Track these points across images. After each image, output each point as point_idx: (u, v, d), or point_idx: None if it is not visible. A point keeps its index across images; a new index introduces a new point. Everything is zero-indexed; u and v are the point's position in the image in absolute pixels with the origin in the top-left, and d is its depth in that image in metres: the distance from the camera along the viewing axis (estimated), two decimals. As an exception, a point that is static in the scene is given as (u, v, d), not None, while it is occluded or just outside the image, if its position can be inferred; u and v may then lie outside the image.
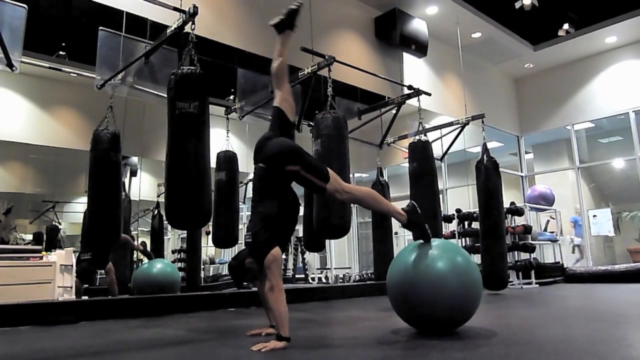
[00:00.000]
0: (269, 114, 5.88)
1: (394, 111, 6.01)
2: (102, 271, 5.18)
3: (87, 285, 5.09)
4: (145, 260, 5.80)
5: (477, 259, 5.69)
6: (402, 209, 2.58)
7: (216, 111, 5.24)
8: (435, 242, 2.54)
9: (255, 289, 3.12)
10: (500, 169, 5.63)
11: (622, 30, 8.14)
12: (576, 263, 8.72)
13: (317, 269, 9.32)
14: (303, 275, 8.21)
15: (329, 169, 2.54)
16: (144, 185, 6.62)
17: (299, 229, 5.89)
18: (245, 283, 2.89)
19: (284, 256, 8.27)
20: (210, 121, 3.18)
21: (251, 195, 2.60)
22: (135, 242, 5.74)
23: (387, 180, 6.75)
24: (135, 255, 6.12)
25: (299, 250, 8.24)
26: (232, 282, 6.48)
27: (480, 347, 2.09)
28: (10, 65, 3.76)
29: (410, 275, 2.44)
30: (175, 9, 3.63)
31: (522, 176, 9.75)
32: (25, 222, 6.04)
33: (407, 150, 5.49)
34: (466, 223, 7.24)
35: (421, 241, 2.56)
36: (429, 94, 5.88)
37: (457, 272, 2.40)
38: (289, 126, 2.73)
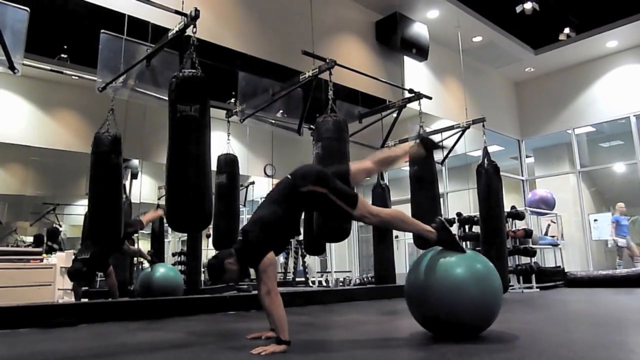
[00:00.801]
0: (270, 117, 5.91)
1: (394, 115, 6.02)
2: (102, 273, 5.18)
3: (86, 288, 5.09)
4: (146, 263, 5.79)
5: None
6: (431, 225, 2.56)
7: (217, 114, 5.25)
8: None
9: (256, 292, 3.11)
10: (501, 173, 5.63)
11: (623, 35, 8.14)
12: (620, 267, 8.08)
13: (318, 272, 9.31)
14: (303, 279, 8.20)
15: (357, 194, 2.57)
16: (144, 188, 6.62)
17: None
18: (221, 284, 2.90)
19: (282, 260, 8.29)
20: (211, 124, 3.19)
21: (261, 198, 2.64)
22: (136, 246, 5.72)
23: (387, 183, 6.75)
24: (136, 259, 6.11)
25: (300, 253, 8.23)
26: (232, 285, 6.48)
27: (480, 351, 2.08)
28: (12, 67, 3.77)
29: (428, 281, 2.40)
30: (176, 12, 3.64)
31: (522, 180, 9.74)
32: (26, 225, 6.04)
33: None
34: (467, 227, 7.23)
35: (439, 248, 2.53)
36: (430, 98, 5.89)
37: (477, 278, 2.36)
38: (345, 183, 2.67)
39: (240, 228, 3.02)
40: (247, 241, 2.41)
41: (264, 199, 2.61)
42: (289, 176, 2.59)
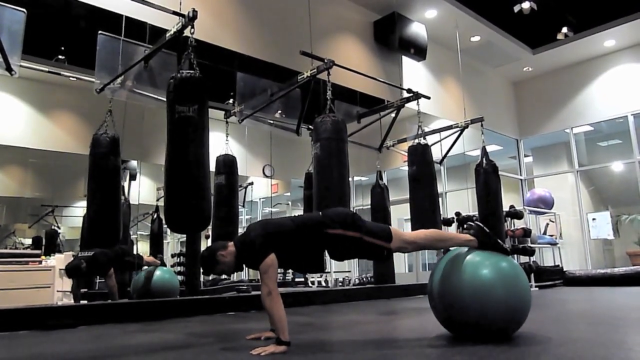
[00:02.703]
0: (268, 117, 5.91)
1: (393, 114, 6.02)
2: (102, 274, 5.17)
3: (86, 290, 5.08)
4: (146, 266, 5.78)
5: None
6: (469, 233, 2.48)
7: (215, 115, 5.24)
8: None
9: (255, 292, 3.11)
10: (500, 172, 5.64)
11: (621, 34, 8.16)
12: None
13: (317, 272, 9.30)
14: (302, 279, 8.19)
15: (388, 226, 2.54)
16: (143, 189, 6.60)
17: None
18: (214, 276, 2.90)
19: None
20: (209, 125, 3.18)
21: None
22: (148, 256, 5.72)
23: (386, 183, 6.75)
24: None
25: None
26: (232, 285, 6.48)
27: (480, 350, 2.08)
28: (9, 69, 3.76)
29: (456, 282, 2.34)
30: (174, 12, 3.64)
31: (521, 179, 9.75)
32: (25, 227, 6.03)
33: (406, 154, 5.50)
34: (465, 226, 7.23)
35: (465, 248, 2.47)
36: (428, 98, 5.89)
37: (504, 280, 2.29)
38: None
39: (239, 230, 3.02)
40: (249, 239, 2.41)
41: (286, 216, 2.61)
42: (320, 213, 2.58)
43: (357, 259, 10.10)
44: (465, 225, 2.54)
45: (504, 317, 2.27)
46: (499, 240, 2.47)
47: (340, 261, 3.71)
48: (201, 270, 5.61)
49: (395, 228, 2.56)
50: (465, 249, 2.45)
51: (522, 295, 2.31)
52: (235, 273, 5.32)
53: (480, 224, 2.51)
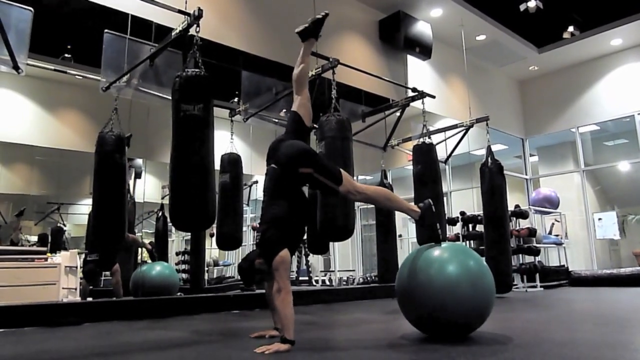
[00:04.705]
0: (273, 116, 5.91)
1: (398, 113, 6.01)
2: (108, 272, 5.20)
3: (91, 287, 5.11)
4: (149, 261, 5.80)
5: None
6: (417, 205, 2.57)
7: (220, 113, 5.24)
8: (445, 245, 2.48)
9: (259, 291, 3.11)
10: (505, 172, 5.61)
11: (628, 33, 8.10)
12: None
13: (321, 271, 9.31)
14: (307, 278, 8.20)
15: (342, 170, 2.54)
16: (148, 187, 6.62)
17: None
18: (254, 285, 2.89)
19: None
20: (214, 123, 3.18)
21: (262, 197, 2.62)
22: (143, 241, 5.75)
23: (391, 182, 6.74)
24: (140, 257, 6.13)
25: (303, 252, 8.23)
26: (236, 283, 6.50)
27: (484, 351, 2.08)
28: (16, 67, 3.78)
29: (420, 279, 2.38)
30: (180, 11, 3.64)
31: (526, 179, 9.71)
32: (31, 224, 6.06)
33: (411, 153, 5.49)
34: (470, 226, 7.21)
35: (431, 244, 2.50)
36: (433, 97, 5.87)
37: (469, 276, 2.33)
38: (305, 131, 2.73)
39: (243, 229, 3.02)
40: (266, 240, 2.41)
41: (265, 197, 2.59)
42: (274, 165, 2.57)
43: (360, 258, 10.10)
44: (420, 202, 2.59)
45: (467, 314, 2.31)
46: (438, 226, 2.53)
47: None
48: (207, 275, 5.63)
49: (349, 176, 2.55)
50: (430, 245, 2.50)
51: (485, 293, 2.36)
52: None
53: (432, 204, 2.56)
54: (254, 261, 2.44)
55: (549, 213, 8.62)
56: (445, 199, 7.32)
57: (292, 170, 2.50)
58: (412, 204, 2.65)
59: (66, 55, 5.61)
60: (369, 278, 8.45)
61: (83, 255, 5.00)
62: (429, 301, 2.32)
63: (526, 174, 9.72)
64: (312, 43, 2.87)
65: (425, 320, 2.46)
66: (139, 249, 5.93)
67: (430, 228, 2.51)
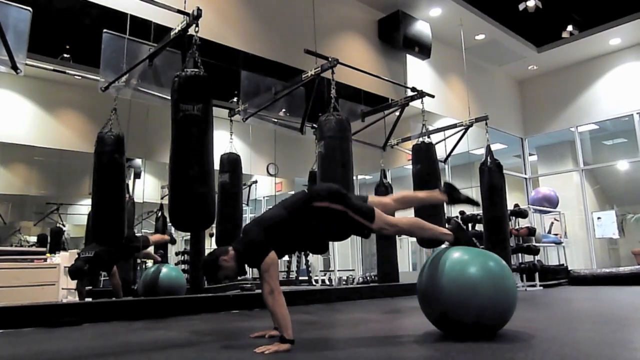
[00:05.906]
0: (272, 116, 5.91)
1: (397, 113, 6.01)
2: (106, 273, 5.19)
3: (90, 287, 5.10)
4: (150, 262, 5.79)
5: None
6: (447, 227, 2.61)
7: (220, 113, 5.24)
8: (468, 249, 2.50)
9: (259, 291, 3.12)
10: (504, 171, 5.62)
11: (626, 32, 8.11)
12: None
13: (321, 271, 9.31)
14: (306, 278, 8.20)
15: (373, 207, 2.56)
16: (147, 187, 6.62)
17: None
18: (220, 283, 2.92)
19: (286, 258, 8.29)
20: (213, 123, 3.18)
21: (264, 198, 2.66)
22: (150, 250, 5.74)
23: (390, 182, 6.74)
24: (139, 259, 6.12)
25: (303, 252, 8.23)
26: (236, 283, 6.49)
27: (484, 349, 2.08)
28: (15, 67, 3.78)
29: (443, 280, 2.37)
30: (179, 11, 3.64)
31: (526, 178, 9.72)
32: (30, 224, 6.06)
33: (410, 152, 5.49)
34: (470, 225, 7.22)
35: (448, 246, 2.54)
36: (433, 96, 5.88)
37: (491, 277, 2.33)
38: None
39: (243, 227, 3.01)
40: (247, 240, 2.41)
41: (275, 205, 2.63)
42: (306, 190, 2.63)
43: (360, 258, 10.11)
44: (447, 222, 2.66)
45: (492, 315, 2.31)
46: (473, 239, 2.59)
47: (328, 240, 3.76)
48: (204, 279, 5.65)
49: (380, 211, 2.57)
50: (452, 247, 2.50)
51: (508, 294, 2.36)
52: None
53: (460, 222, 2.65)
54: (219, 257, 2.44)
55: (548, 212, 8.63)
56: (444, 198, 7.31)
57: (321, 201, 2.51)
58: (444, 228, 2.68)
59: (65, 55, 5.60)
60: (368, 278, 8.45)
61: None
62: (452, 302, 2.32)
63: (525, 174, 9.73)
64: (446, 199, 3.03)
65: (447, 321, 2.44)
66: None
67: (467, 244, 2.54)
